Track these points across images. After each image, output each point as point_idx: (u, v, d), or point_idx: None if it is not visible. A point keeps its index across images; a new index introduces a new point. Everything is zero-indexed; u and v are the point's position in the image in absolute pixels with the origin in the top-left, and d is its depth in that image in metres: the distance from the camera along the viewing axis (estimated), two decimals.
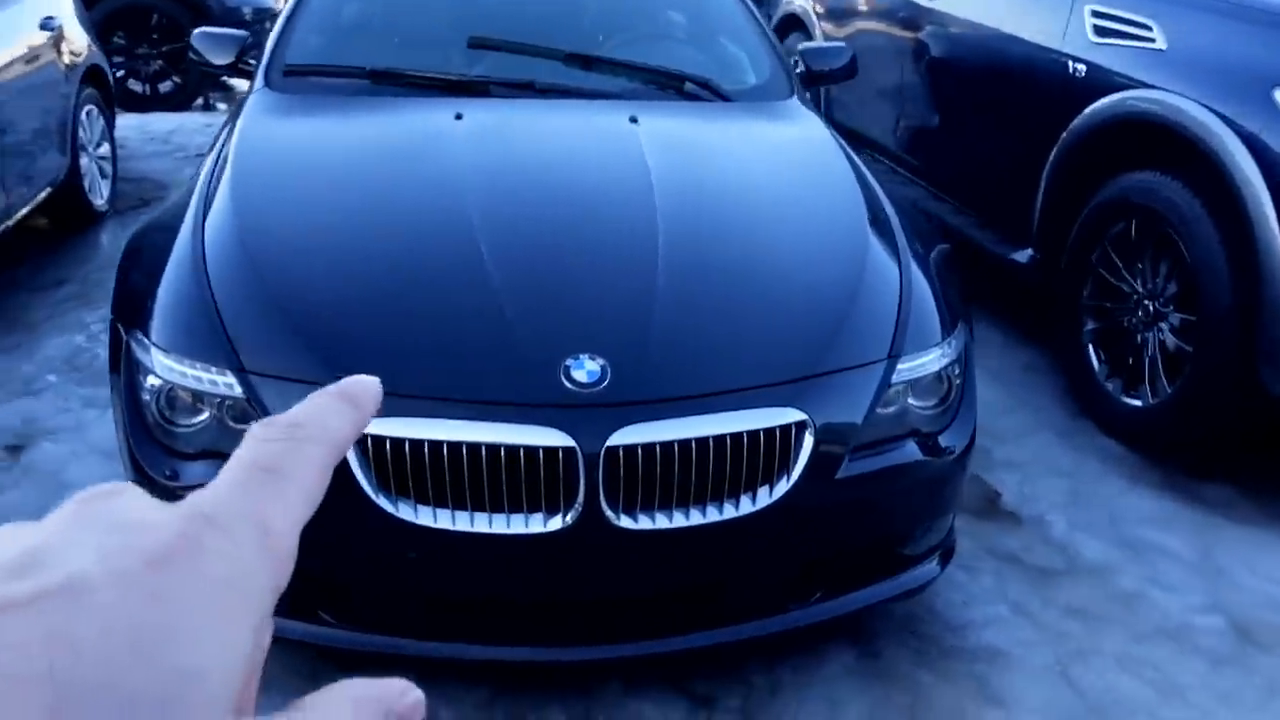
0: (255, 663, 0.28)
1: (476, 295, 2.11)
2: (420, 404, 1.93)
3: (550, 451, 1.90)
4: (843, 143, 3.06)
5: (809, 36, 5.84)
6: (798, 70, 3.57)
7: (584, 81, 3.14)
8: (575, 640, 2.11)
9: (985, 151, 4.20)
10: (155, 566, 0.26)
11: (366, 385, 0.34)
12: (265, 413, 1.97)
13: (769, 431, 2.00)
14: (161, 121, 6.74)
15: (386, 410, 1.92)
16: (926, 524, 2.34)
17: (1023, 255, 3.92)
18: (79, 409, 3.27)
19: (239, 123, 2.86)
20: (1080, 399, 3.64)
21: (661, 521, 1.96)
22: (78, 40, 4.91)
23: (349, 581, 2.04)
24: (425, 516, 1.92)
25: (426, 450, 1.90)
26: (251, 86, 3.14)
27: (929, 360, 2.26)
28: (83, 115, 4.90)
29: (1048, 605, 2.63)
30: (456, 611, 2.06)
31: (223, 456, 1.99)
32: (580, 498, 1.91)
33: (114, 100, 5.46)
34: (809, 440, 2.04)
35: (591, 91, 3.10)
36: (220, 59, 3.32)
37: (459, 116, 2.84)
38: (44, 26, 4.57)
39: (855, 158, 2.95)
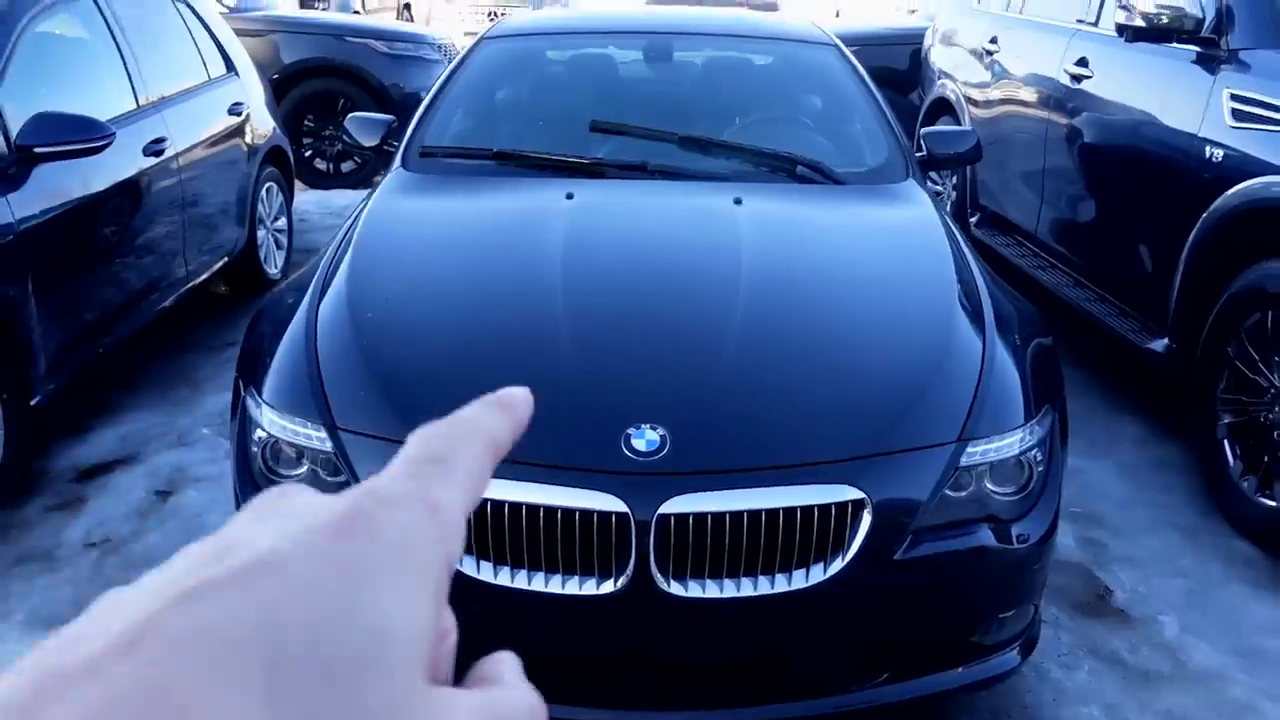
0: (441, 632, 0.30)
1: (550, 363, 2.22)
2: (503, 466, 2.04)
3: (605, 516, 1.98)
4: (951, 227, 3.06)
5: (958, 120, 5.82)
6: (920, 154, 3.59)
7: (696, 164, 3.26)
8: (636, 705, 2.15)
9: (1124, 237, 4.07)
10: (336, 537, 0.28)
11: (518, 394, 0.36)
12: (350, 467, 2.12)
13: (824, 508, 2.02)
14: (340, 197, 7.27)
15: None
16: (1002, 612, 2.28)
17: (1159, 345, 3.77)
18: (224, 460, 3.56)
19: (371, 199, 3.11)
20: (1213, 497, 3.44)
21: (712, 590, 1.99)
22: (262, 124, 5.40)
23: None
24: (486, 572, 2.02)
25: (489, 508, 2.01)
26: (390, 166, 3.40)
27: (1006, 444, 2.22)
28: (263, 191, 5.37)
29: (1145, 710, 2.49)
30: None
31: None
32: (632, 563, 1.97)
33: (293, 178, 5.94)
34: (866, 519, 2.04)
35: (702, 173, 3.21)
36: (368, 140, 3.60)
37: (570, 196, 2.99)
38: (232, 111, 5.06)
39: (961, 242, 2.94)
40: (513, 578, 2.01)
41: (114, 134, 3.62)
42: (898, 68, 7.43)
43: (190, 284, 4.55)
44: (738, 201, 2.99)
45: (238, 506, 2.27)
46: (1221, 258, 3.45)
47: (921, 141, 3.62)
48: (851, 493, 2.04)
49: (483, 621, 2.08)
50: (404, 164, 3.38)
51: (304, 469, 2.21)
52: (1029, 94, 4.94)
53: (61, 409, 3.73)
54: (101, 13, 4.26)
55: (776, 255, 2.67)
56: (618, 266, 2.60)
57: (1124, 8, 3.79)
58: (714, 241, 2.72)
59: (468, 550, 2.03)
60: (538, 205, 2.93)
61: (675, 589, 1.98)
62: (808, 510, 2.01)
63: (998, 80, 5.34)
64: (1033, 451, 2.26)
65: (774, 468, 2.05)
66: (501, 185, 3.17)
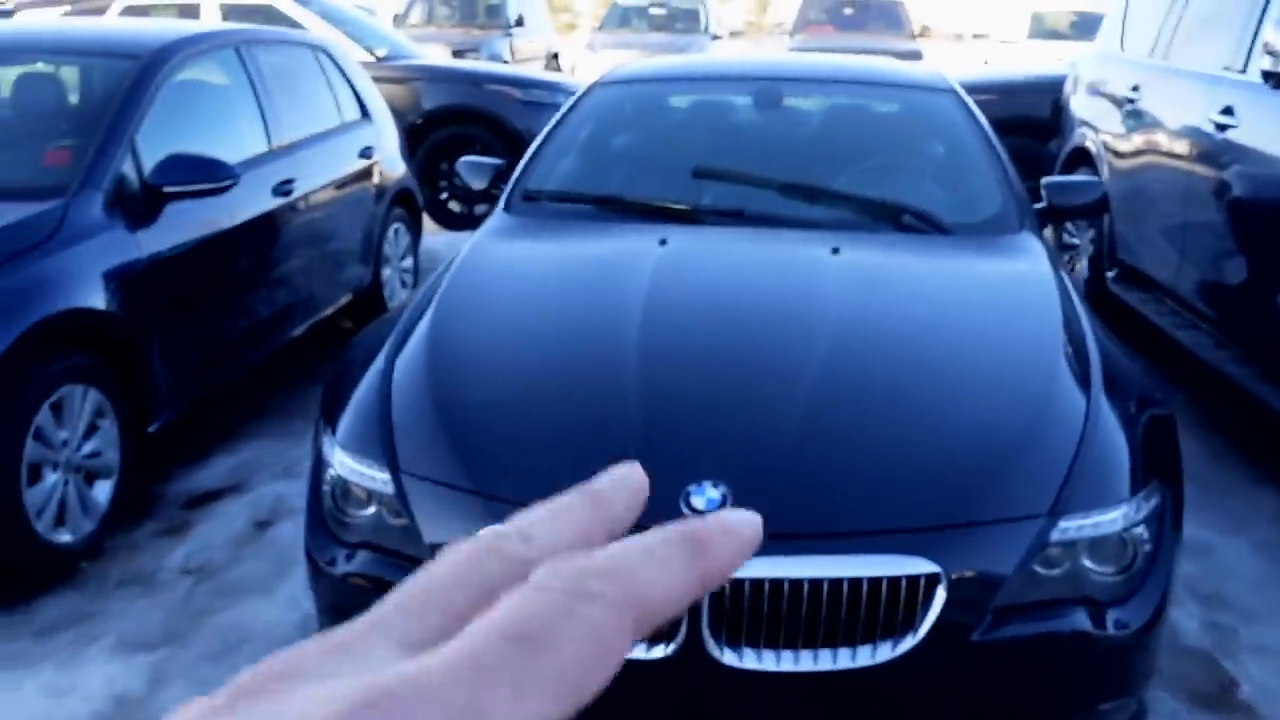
0: None
1: (615, 417, 2.17)
2: None
3: None
4: (1065, 282, 2.88)
5: (1095, 171, 5.55)
6: (1040, 204, 3.41)
7: (796, 211, 3.18)
8: None
9: (1268, 296, 3.78)
10: None
11: (631, 476, 0.26)
12: (409, 510, 2.11)
13: (893, 580, 1.89)
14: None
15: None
16: (1100, 704, 2.09)
17: None
18: None
19: (469, 243, 3.13)
20: None
21: (769, 662, 1.88)
22: (392, 167, 5.57)
23: None
24: None
25: None
26: (493, 209, 3.43)
27: (1107, 520, 2.05)
28: (390, 231, 5.53)
29: None
30: None
31: (379, 549, 2.14)
32: (684, 627, 1.89)
33: (420, 219, 6.10)
34: (940, 595, 1.90)
35: (803, 221, 3.13)
36: (477, 184, 3.64)
37: (664, 242, 2.95)
38: (362, 155, 5.23)
39: (1075, 298, 2.77)
40: None
41: (238, 175, 3.77)
42: (1038, 116, 7.16)
43: (314, 318, 4.69)
44: (835, 251, 2.89)
45: (305, 546, 2.29)
46: None
47: (1042, 191, 3.44)
48: (924, 565, 1.91)
49: None
50: (506, 207, 3.41)
51: (372, 510, 2.21)
52: (1172, 144, 4.66)
53: (186, 435, 3.88)
54: (243, 62, 4.47)
55: (865, 308, 2.56)
56: (697, 316, 2.53)
57: (1272, 53, 3.53)
58: (800, 293, 2.62)
59: None
60: (629, 251, 2.89)
61: (730, 658, 1.88)
62: (875, 582, 1.89)
63: (1139, 129, 5.07)
64: (1138, 529, 2.08)
65: (840, 534, 1.94)
66: (599, 230, 3.15)
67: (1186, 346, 4.33)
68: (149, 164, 3.63)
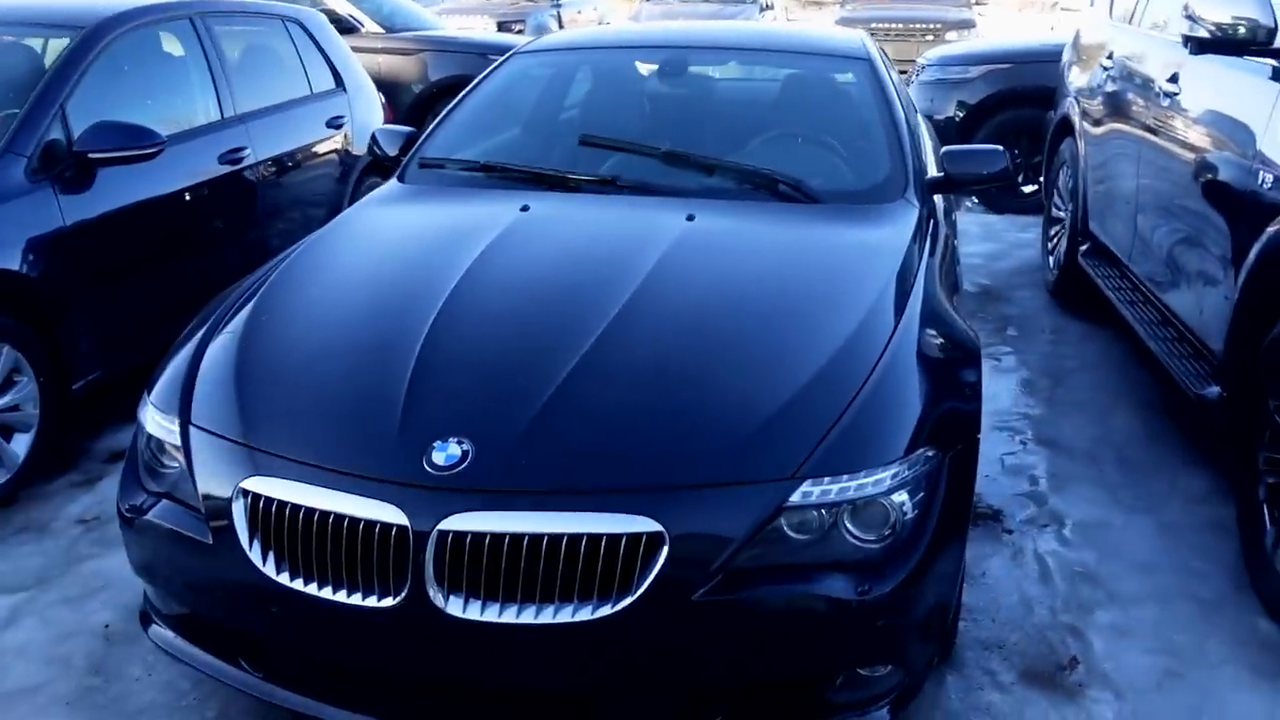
0: None
1: (392, 374, 2.22)
2: (298, 468, 2.06)
3: (386, 528, 1.95)
4: (920, 251, 2.84)
5: (1075, 141, 5.39)
6: (939, 174, 3.35)
7: (671, 179, 3.18)
8: None
9: (1189, 270, 3.65)
10: None
11: None
12: (189, 459, 2.20)
13: (613, 538, 1.91)
14: None
15: (273, 470, 2.08)
16: (854, 669, 2.09)
17: (1211, 393, 3.35)
18: None
19: (344, 211, 3.21)
20: (1248, 569, 3.02)
21: (490, 614, 1.93)
22: (366, 138, 5.66)
23: (252, 632, 2.19)
24: (284, 576, 2.04)
25: (287, 512, 2.03)
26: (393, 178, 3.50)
27: (868, 484, 2.03)
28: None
29: None
30: (327, 674, 2.14)
31: (173, 499, 2.23)
32: (409, 578, 1.94)
33: None
34: (663, 555, 1.92)
35: (676, 190, 3.13)
36: (391, 150, 3.69)
37: (525, 209, 2.99)
38: (331, 125, 5.35)
39: (919, 268, 2.72)
40: (305, 584, 2.02)
41: (164, 141, 3.90)
42: (1051, 86, 6.96)
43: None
44: (690, 219, 2.89)
45: (116, 501, 2.39)
46: (1275, 295, 3.03)
47: (941, 161, 3.37)
48: (646, 524, 1.92)
49: (280, 625, 2.10)
50: (401, 176, 3.47)
51: (176, 463, 2.29)
52: (1132, 111, 4.50)
53: (128, 396, 4.03)
54: (197, 33, 4.60)
55: (683, 276, 2.56)
56: (509, 285, 2.56)
57: (1190, 17, 3.40)
58: (625, 259, 2.63)
59: (272, 550, 2.05)
60: (484, 219, 2.92)
61: (453, 608, 1.93)
62: (595, 539, 1.91)
63: (1110, 97, 4.91)
64: (897, 495, 2.06)
65: (569, 491, 1.97)
66: (472, 198, 3.20)
67: (1129, 322, 4.20)
68: (79, 132, 3.78)
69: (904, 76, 8.02)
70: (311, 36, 5.52)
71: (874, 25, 12.96)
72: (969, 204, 7.56)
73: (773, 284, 2.59)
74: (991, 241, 6.72)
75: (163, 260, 4.16)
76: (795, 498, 1.99)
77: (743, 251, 2.76)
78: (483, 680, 2.02)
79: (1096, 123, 5.07)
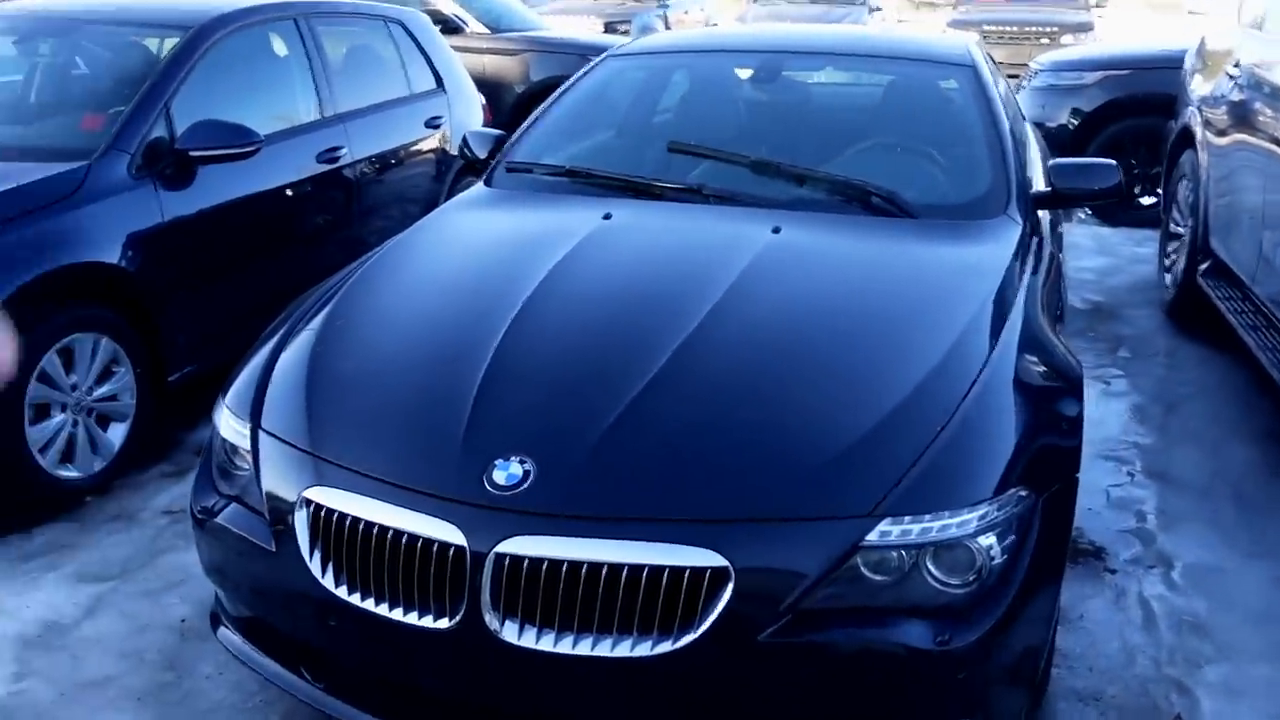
0: None
1: (459, 387, 2.17)
2: (360, 480, 2.03)
3: (444, 547, 1.90)
4: (1022, 269, 2.69)
5: (1195, 152, 5.10)
6: (1046, 189, 3.17)
7: (758, 189, 3.07)
8: None
9: None
10: None
11: None
12: (257, 463, 2.18)
13: (676, 570, 1.83)
14: None
15: (335, 480, 2.05)
16: None
17: None
18: None
19: (434, 212, 3.19)
20: None
21: (546, 642, 1.86)
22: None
23: (312, 643, 2.17)
24: (342, 589, 2.00)
25: (347, 524, 1.99)
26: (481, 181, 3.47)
27: (945, 526, 1.90)
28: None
29: None
30: (385, 691, 2.10)
31: (242, 503, 2.22)
32: (465, 600, 1.89)
33: None
34: (728, 591, 1.83)
35: (762, 199, 3.02)
36: (481, 153, 3.67)
37: (608, 216, 2.92)
38: (429, 125, 5.37)
39: (1020, 289, 2.57)
40: (362, 599, 1.98)
41: (261, 139, 3.94)
42: (1172, 93, 6.62)
43: None
44: (776, 230, 2.79)
45: (189, 503, 2.40)
46: None
47: (1049, 175, 3.19)
48: (711, 558, 1.83)
49: (338, 638, 2.07)
50: (488, 180, 3.44)
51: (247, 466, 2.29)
52: (1259, 122, 4.23)
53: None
54: (300, 33, 4.66)
55: (763, 292, 2.46)
56: (586, 296, 2.49)
57: None
58: (706, 273, 2.54)
59: (331, 561, 2.02)
60: (566, 226, 2.86)
61: (509, 634, 1.87)
62: (656, 570, 1.83)
63: (1236, 107, 4.62)
64: (985, 538, 1.93)
65: (631, 519, 1.88)
66: (558, 204, 3.14)
67: (1250, 348, 3.95)
68: (182, 130, 3.85)
69: (1016, 82, 7.74)
70: (413, 37, 5.56)
71: (987, 28, 12.60)
72: (1082, 215, 7.25)
73: (858, 303, 2.47)
74: (1105, 255, 6.43)
75: (258, 257, 4.21)
76: (872, 537, 1.88)
77: (829, 267, 2.64)
78: (535, 711, 1.95)
79: (1220, 133, 4.79)
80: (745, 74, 3.75)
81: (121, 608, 2.85)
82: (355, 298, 2.63)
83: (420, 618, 1.93)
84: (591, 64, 3.93)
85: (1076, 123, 7.05)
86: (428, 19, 5.85)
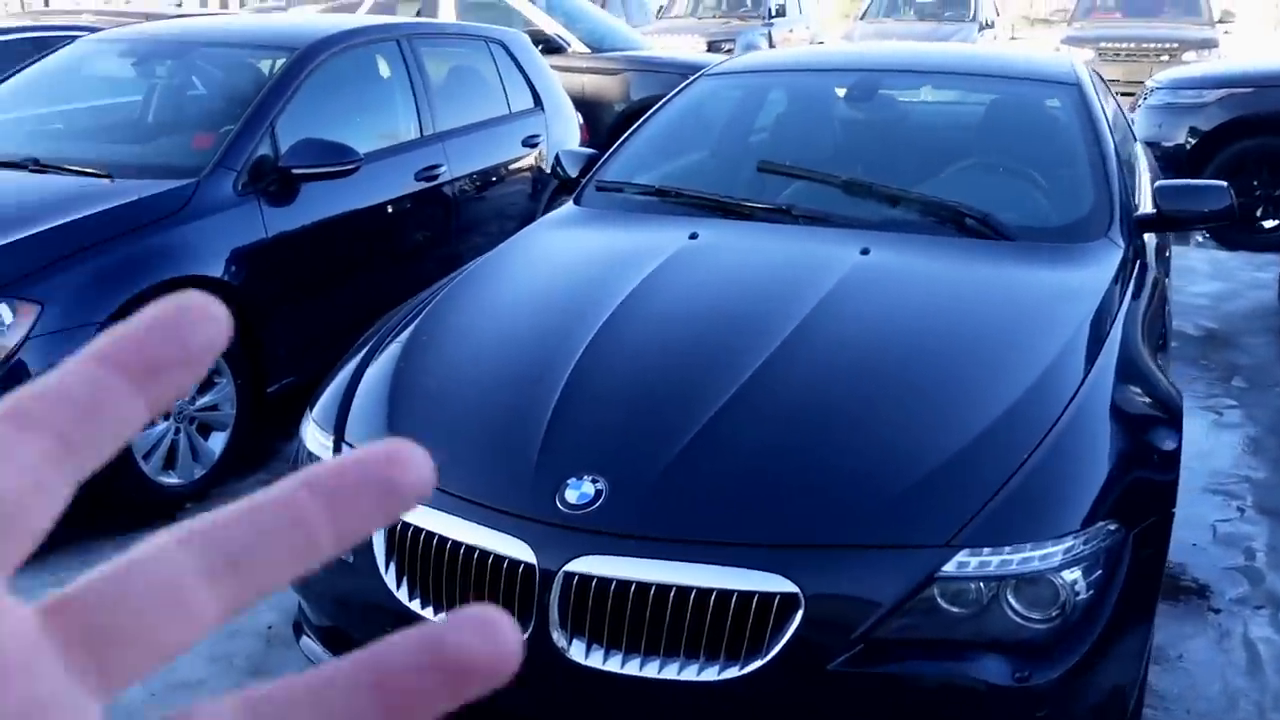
0: None
1: (536, 405, 2.17)
2: (436, 495, 2.04)
3: (514, 564, 1.91)
4: (1121, 295, 2.58)
5: None
6: (1150, 210, 3.05)
7: (848, 209, 3.03)
8: None
9: None
10: None
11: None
12: None
13: (745, 595, 1.80)
14: None
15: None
16: None
17: None
18: None
19: (524, 229, 3.22)
20: None
21: (612, 663, 1.85)
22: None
23: None
24: (415, 602, 2.03)
25: (422, 538, 2.02)
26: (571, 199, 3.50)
27: (1027, 559, 1.83)
28: None
29: None
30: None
31: None
32: (533, 617, 1.89)
33: None
34: (798, 617, 1.79)
35: (852, 220, 2.97)
36: (574, 172, 3.70)
37: (694, 236, 2.91)
38: (526, 144, 5.45)
39: (1119, 315, 2.47)
40: (434, 613, 2.00)
41: (361, 158, 4.04)
42: None
43: None
44: (864, 252, 2.74)
45: None
46: None
47: (1154, 196, 3.08)
48: (781, 583, 1.80)
49: None
50: (577, 199, 3.46)
51: None
52: None
53: None
54: (403, 54, 4.78)
55: (848, 314, 2.41)
56: (667, 316, 2.48)
57: None
58: (787, 293, 2.50)
59: (406, 575, 2.04)
60: (653, 246, 2.86)
61: (575, 653, 1.86)
62: (726, 594, 1.81)
63: None
64: (1069, 572, 1.85)
65: (701, 542, 1.86)
66: (646, 224, 3.14)
67: None
68: (285, 148, 3.98)
69: (1131, 100, 7.49)
70: (513, 57, 5.65)
71: (1103, 45, 12.23)
72: (1199, 239, 6.97)
73: (946, 326, 2.41)
74: (1221, 280, 6.16)
75: (357, 272, 4.32)
76: (949, 567, 1.82)
77: (917, 290, 2.58)
78: None
79: None
80: (842, 93, 3.71)
81: None
82: (440, 315, 2.67)
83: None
84: (684, 83, 3.93)
85: (1194, 142, 6.79)
86: (528, 40, 5.94)
